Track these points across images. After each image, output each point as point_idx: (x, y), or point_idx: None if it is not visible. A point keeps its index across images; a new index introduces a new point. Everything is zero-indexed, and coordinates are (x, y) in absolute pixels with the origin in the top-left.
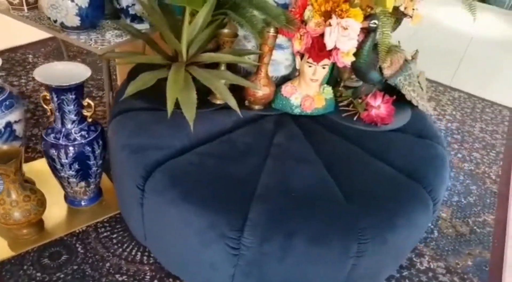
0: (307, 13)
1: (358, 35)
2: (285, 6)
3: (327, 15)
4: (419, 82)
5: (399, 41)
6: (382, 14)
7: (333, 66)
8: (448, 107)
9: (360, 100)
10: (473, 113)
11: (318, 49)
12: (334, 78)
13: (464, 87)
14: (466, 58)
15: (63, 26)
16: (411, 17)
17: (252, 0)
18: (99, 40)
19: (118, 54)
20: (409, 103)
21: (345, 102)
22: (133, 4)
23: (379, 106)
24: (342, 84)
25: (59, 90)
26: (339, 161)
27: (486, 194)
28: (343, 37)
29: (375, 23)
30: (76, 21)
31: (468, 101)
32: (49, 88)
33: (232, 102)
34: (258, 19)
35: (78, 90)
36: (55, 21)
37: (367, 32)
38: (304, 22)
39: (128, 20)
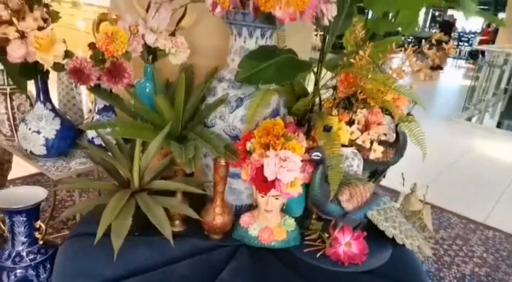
0: (248, 145)
1: (304, 166)
2: (237, 138)
3: (267, 147)
4: (420, 218)
5: (402, 173)
6: (329, 147)
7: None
8: (478, 249)
9: (327, 235)
10: (511, 258)
11: (261, 180)
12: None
13: (502, 226)
14: (508, 192)
15: (33, 154)
16: (369, 150)
17: (201, 131)
18: (61, 167)
19: (70, 179)
20: (392, 241)
21: (313, 236)
22: (97, 136)
23: (349, 243)
24: (313, 215)
25: (11, 213)
26: None
27: None
28: (282, 168)
29: (317, 156)
30: (42, 150)
31: (505, 243)
32: (2, 210)
33: (166, 232)
34: (190, 150)
35: (30, 213)
36: (26, 150)
37: (316, 164)
38: (249, 153)
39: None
